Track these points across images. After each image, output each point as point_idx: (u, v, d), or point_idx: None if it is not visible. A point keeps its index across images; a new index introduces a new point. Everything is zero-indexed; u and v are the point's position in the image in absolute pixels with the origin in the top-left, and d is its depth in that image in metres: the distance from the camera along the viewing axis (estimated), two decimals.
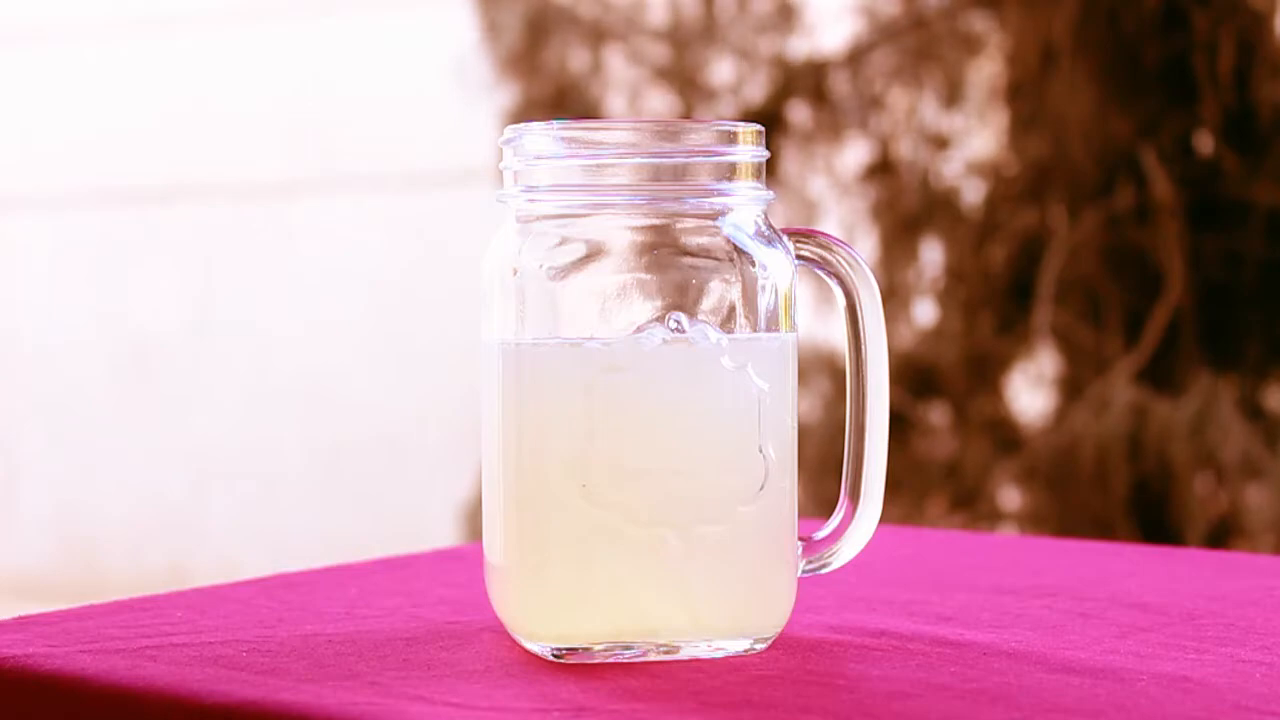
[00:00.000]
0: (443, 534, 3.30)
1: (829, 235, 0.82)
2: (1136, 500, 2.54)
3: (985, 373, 2.84)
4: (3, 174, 4.55)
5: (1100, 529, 2.54)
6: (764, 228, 0.80)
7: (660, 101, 3.17)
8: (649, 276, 0.78)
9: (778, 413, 0.79)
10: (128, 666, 0.76)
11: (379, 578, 0.98)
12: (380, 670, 0.75)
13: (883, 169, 2.98)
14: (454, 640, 0.81)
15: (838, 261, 0.82)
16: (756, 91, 3.02)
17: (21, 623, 0.84)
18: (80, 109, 4.26)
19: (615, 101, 3.20)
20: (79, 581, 4.34)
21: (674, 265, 0.78)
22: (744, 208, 0.79)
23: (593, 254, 0.79)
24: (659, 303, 0.78)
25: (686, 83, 3.02)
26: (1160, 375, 2.63)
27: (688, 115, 2.96)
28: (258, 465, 4.32)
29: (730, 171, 0.79)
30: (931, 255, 2.92)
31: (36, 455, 4.56)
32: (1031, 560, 1.08)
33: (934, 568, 1.04)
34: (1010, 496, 2.75)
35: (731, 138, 0.79)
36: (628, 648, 0.78)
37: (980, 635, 0.82)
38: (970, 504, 2.70)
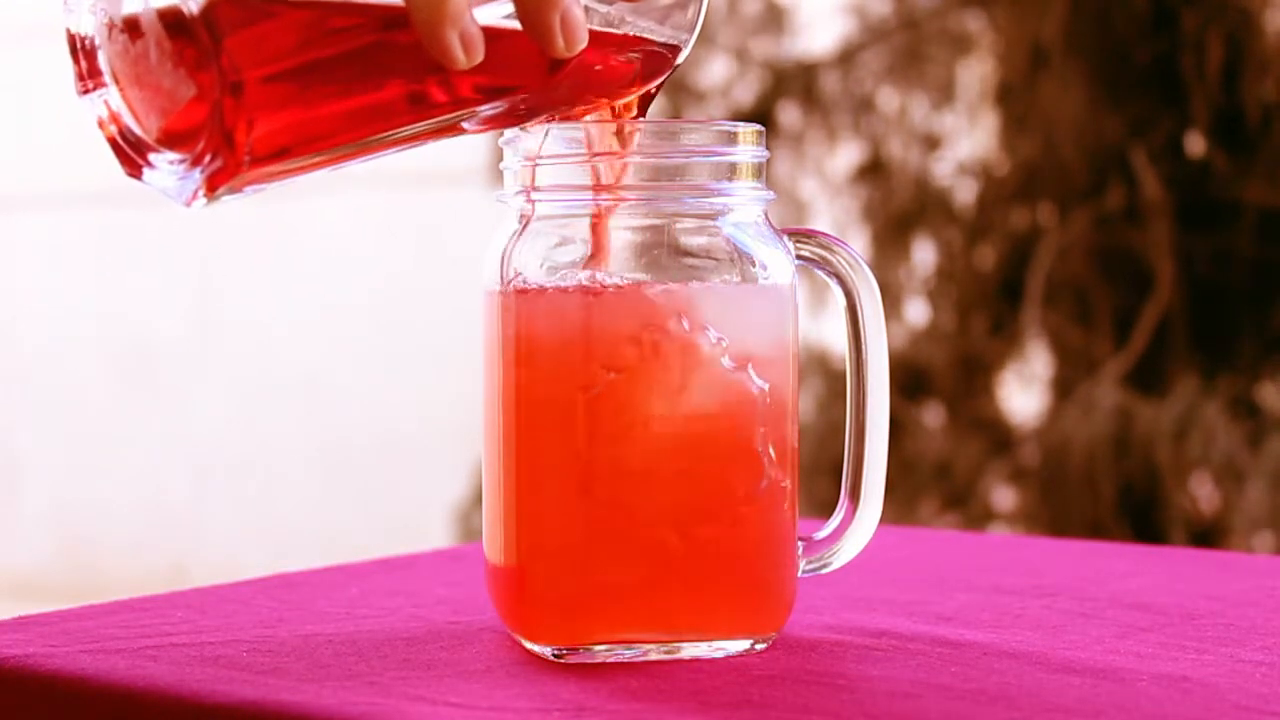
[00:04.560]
0: (440, 534, 3.30)
1: (829, 235, 0.82)
2: (1125, 502, 2.54)
3: (977, 373, 2.84)
4: (3, 174, 4.54)
5: (1092, 530, 2.54)
6: (764, 228, 0.80)
7: None
8: (649, 277, 0.78)
9: (778, 412, 0.79)
10: (128, 666, 0.75)
11: (379, 578, 0.97)
12: (380, 670, 0.75)
13: (873, 169, 2.98)
14: (454, 640, 0.81)
15: (838, 262, 0.82)
16: (746, 93, 3.02)
17: (21, 623, 0.84)
18: (80, 109, 4.25)
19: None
20: (79, 581, 4.33)
21: (674, 265, 0.78)
22: (744, 208, 0.79)
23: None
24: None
25: (675, 84, 3.01)
26: (1149, 376, 2.63)
27: (676, 117, 2.96)
28: (258, 465, 4.31)
29: (730, 172, 0.79)
30: (923, 255, 2.92)
31: (36, 455, 4.55)
32: (1031, 560, 1.08)
33: (934, 568, 1.04)
34: (1002, 497, 2.75)
35: (731, 138, 0.79)
36: (628, 648, 0.78)
37: (980, 635, 0.82)
38: (962, 505, 2.71)
